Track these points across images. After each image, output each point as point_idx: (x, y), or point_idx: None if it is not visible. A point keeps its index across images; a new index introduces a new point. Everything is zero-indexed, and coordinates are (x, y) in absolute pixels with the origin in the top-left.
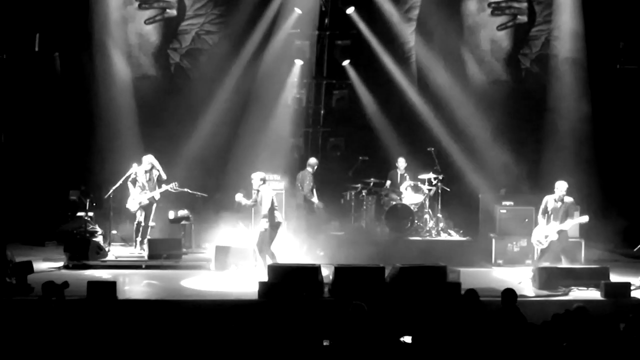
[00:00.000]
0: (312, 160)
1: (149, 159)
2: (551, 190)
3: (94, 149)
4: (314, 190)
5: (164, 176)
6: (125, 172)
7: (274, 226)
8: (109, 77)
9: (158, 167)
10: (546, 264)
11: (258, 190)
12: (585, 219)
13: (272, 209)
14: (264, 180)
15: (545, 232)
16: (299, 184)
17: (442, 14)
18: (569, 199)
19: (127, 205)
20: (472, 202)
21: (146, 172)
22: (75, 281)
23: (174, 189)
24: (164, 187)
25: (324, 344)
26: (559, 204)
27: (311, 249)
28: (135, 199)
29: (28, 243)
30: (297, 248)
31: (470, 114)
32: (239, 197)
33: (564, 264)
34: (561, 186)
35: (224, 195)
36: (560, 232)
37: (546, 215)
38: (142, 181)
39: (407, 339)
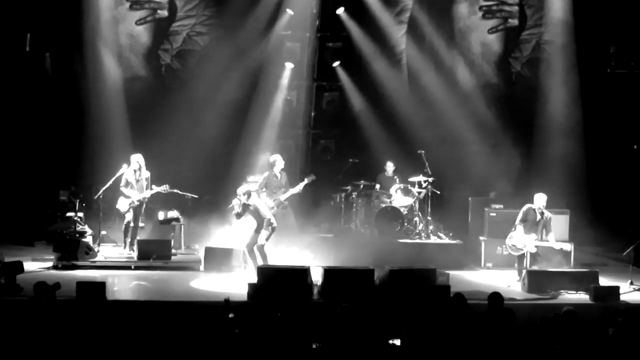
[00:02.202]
0: (271, 158)
1: (137, 158)
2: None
3: (84, 149)
4: (275, 190)
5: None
6: (116, 173)
7: (272, 229)
8: (99, 78)
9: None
10: (535, 268)
11: (247, 205)
12: (568, 247)
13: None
14: (248, 195)
15: (524, 241)
16: None
17: (433, 17)
18: (548, 214)
19: (117, 206)
20: (461, 205)
21: (135, 171)
22: (64, 281)
23: (165, 191)
24: (155, 189)
25: (313, 346)
26: (539, 217)
27: (300, 250)
28: (129, 199)
29: (17, 243)
30: (284, 249)
31: (460, 116)
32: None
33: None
34: (541, 199)
35: (214, 197)
36: (537, 247)
37: (524, 224)
38: (131, 181)
39: (397, 342)
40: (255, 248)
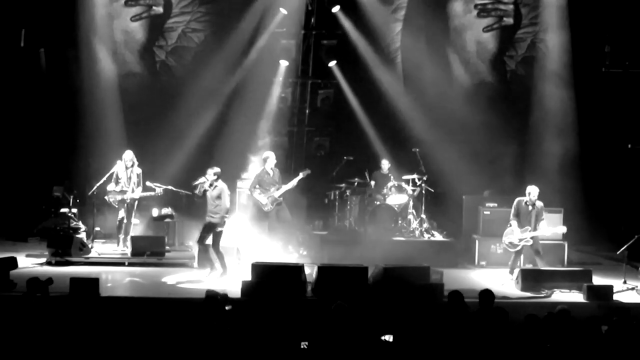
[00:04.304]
0: (264, 155)
1: (130, 155)
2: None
3: (78, 145)
4: (268, 188)
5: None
6: (110, 169)
7: (224, 224)
8: (94, 74)
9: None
10: (529, 266)
11: (213, 185)
12: (563, 229)
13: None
14: (218, 176)
15: (519, 236)
16: None
17: (428, 15)
18: (539, 203)
19: (106, 197)
20: (455, 203)
21: (127, 168)
22: (58, 277)
23: (159, 194)
24: (147, 193)
25: (302, 346)
26: (530, 207)
27: (287, 247)
28: (115, 195)
29: (11, 239)
30: (274, 247)
31: (455, 115)
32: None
33: (539, 266)
34: (533, 191)
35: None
36: (533, 238)
37: (517, 218)
38: (121, 177)
39: (389, 338)
40: (218, 244)
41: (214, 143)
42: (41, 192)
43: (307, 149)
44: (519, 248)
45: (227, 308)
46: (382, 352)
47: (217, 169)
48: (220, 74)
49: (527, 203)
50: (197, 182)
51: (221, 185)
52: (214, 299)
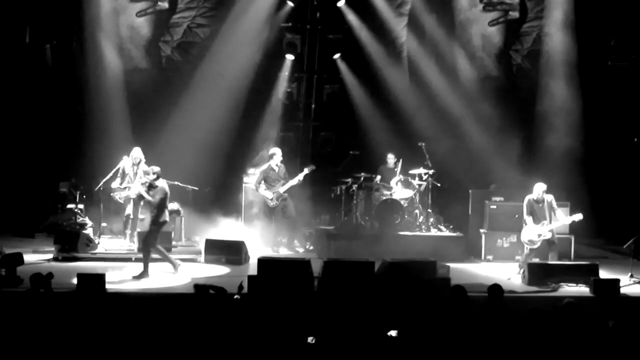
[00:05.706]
0: (270, 151)
1: (136, 153)
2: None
3: (85, 141)
4: (274, 183)
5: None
6: (116, 165)
7: (163, 223)
8: (100, 70)
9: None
10: (536, 260)
11: (153, 186)
12: (579, 216)
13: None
14: (158, 175)
15: (538, 232)
16: None
17: (433, 9)
18: (548, 197)
19: (112, 194)
20: (462, 197)
21: (133, 165)
22: (64, 273)
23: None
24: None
25: (309, 340)
26: (540, 204)
27: (293, 242)
28: (120, 193)
29: (18, 235)
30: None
31: (460, 109)
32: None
33: (551, 260)
34: (538, 188)
35: (214, 189)
36: (552, 230)
37: (531, 216)
38: (128, 172)
39: (393, 333)
40: (154, 243)
41: (219, 138)
42: (47, 188)
43: (313, 144)
44: (538, 245)
45: (235, 297)
46: (388, 346)
47: (156, 169)
48: (225, 69)
49: (537, 200)
50: (142, 182)
51: (162, 184)
52: (204, 289)
